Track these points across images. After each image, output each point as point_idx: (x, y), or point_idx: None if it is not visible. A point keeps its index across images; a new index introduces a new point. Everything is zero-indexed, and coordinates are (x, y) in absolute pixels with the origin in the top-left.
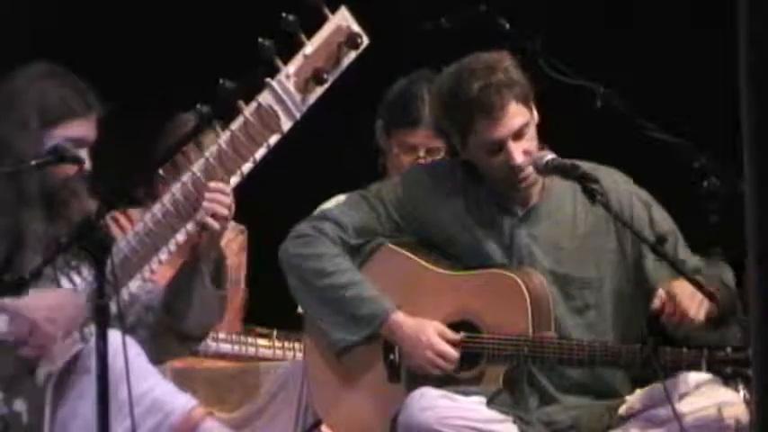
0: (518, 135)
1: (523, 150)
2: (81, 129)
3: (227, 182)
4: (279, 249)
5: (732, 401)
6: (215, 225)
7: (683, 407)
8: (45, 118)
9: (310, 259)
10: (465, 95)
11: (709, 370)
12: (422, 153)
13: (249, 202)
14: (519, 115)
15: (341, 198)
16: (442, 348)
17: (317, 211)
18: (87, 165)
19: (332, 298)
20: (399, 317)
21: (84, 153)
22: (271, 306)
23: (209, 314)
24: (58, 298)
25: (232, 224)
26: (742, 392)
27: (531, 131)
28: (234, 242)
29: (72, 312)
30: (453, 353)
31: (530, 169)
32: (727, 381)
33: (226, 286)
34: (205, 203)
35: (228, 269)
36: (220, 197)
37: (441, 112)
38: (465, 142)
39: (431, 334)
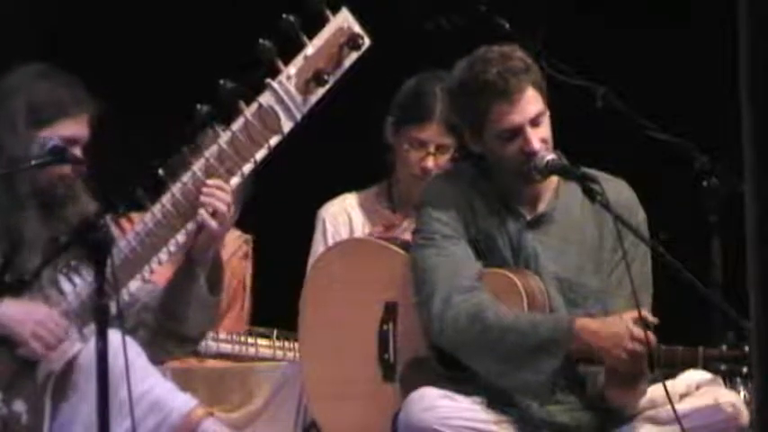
0: (535, 122)
1: (540, 138)
2: (73, 128)
3: (227, 182)
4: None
5: (733, 402)
6: (212, 224)
7: (684, 407)
8: (36, 118)
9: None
10: (482, 81)
11: (704, 368)
12: (432, 149)
13: (251, 201)
14: (535, 102)
15: (347, 197)
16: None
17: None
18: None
19: (515, 345)
20: (584, 321)
21: (77, 152)
22: (271, 306)
23: (204, 318)
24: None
25: (237, 233)
26: (742, 393)
27: (547, 121)
28: (239, 250)
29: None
30: (651, 336)
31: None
32: (725, 378)
33: (221, 294)
34: (203, 198)
35: (228, 278)
36: (219, 193)
37: (455, 104)
38: (479, 133)
39: (627, 322)
